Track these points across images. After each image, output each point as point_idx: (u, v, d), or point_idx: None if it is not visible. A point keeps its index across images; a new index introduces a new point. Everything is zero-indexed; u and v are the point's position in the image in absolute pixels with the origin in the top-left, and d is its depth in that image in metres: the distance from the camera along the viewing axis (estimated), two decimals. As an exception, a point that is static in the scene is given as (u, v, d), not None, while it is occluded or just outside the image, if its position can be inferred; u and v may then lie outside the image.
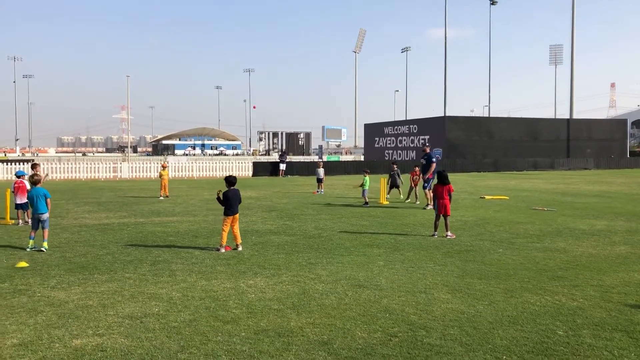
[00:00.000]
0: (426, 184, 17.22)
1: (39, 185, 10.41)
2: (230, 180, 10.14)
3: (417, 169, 19.37)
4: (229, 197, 9.92)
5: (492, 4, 76.03)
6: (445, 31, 67.91)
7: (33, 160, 46.53)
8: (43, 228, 10.12)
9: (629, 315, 6.05)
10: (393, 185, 20.28)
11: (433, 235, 11.47)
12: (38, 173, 11.60)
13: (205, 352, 4.95)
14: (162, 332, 5.47)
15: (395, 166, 20.95)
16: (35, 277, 7.82)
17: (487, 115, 77.85)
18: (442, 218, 11.55)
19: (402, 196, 20.23)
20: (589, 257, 9.27)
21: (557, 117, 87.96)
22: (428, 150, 18.06)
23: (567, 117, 60.39)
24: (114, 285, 7.36)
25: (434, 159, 17.38)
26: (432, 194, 16.88)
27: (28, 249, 9.90)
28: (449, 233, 11.40)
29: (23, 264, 8.64)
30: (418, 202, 18.40)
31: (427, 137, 51.28)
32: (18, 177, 13.63)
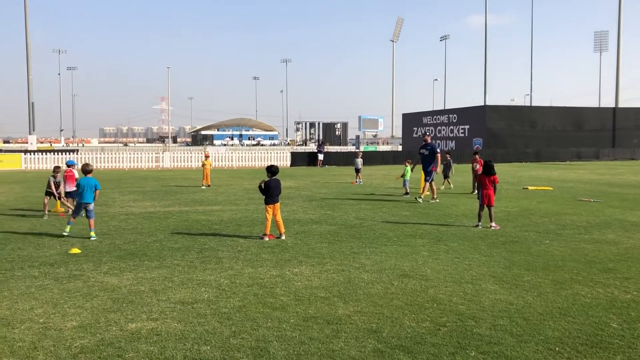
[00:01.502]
0: (428, 177, 16.16)
1: (89, 175, 10.65)
2: (272, 170, 10.24)
3: (477, 156, 19.12)
4: (270, 186, 10.03)
5: (535, -11, 74.04)
6: (486, 18, 66.63)
7: (77, 150, 47.88)
8: (89, 218, 10.32)
9: (686, 309, 5.87)
10: (444, 175, 20.27)
11: (477, 226, 11.33)
12: (90, 163, 11.73)
13: (257, 338, 5.04)
14: (214, 318, 5.60)
15: (448, 156, 20.78)
16: (88, 263, 8.08)
17: (529, 104, 76.19)
18: (486, 209, 11.40)
19: (451, 185, 20.33)
20: (640, 250, 9.02)
21: (601, 106, 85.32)
22: (429, 139, 16.91)
23: (613, 105, 58.50)
24: (163, 272, 7.55)
25: (438, 150, 16.42)
26: (433, 185, 16.66)
27: (65, 234, 10.16)
28: (493, 224, 11.25)
29: (76, 250, 8.94)
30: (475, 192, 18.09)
31: (467, 126, 50.58)
32: (68, 166, 14.11)
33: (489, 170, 11.34)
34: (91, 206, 10.40)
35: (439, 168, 16.26)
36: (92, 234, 10.16)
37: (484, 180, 11.36)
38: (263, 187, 10.07)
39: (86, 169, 10.68)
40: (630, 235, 10.34)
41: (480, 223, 11.38)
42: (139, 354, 4.68)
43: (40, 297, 6.37)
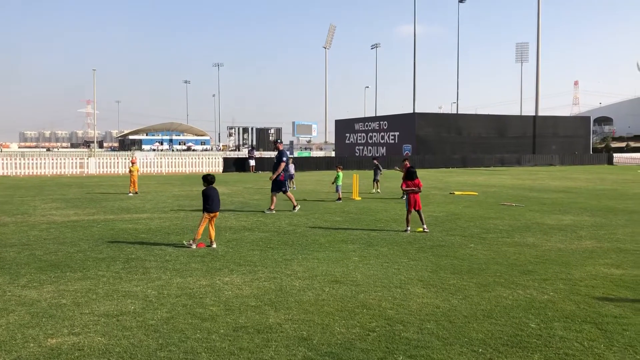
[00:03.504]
0: (283, 187, 15.23)
1: None
2: (209, 180, 10.08)
3: (406, 162, 19.66)
4: (211, 195, 9.87)
5: (461, 1, 76.96)
6: (415, 29, 68.61)
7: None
8: None
9: (596, 308, 6.25)
10: (374, 179, 21.22)
11: (406, 230, 11.59)
12: None
13: (185, 350, 4.92)
14: (140, 330, 5.43)
15: (376, 161, 21.86)
16: (4, 276, 7.64)
17: (456, 112, 78.99)
18: (414, 212, 11.69)
19: (379, 190, 21.07)
20: (557, 252, 9.52)
21: (523, 114, 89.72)
22: (281, 147, 15.82)
23: (533, 114, 61.66)
24: (87, 284, 7.25)
25: (284, 158, 15.18)
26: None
27: None
28: (425, 227, 11.57)
29: (-9, 262, 8.43)
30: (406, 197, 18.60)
31: (397, 133, 51.78)
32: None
33: (410, 175, 11.71)
34: None
35: (281, 175, 15.11)
36: None
37: (409, 185, 11.67)
38: (207, 197, 9.87)
39: None
40: (548, 238, 10.90)
41: (409, 228, 11.65)
42: (59, 371, 4.46)
43: (-50, 314, 5.95)
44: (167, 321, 5.72)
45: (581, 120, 62.94)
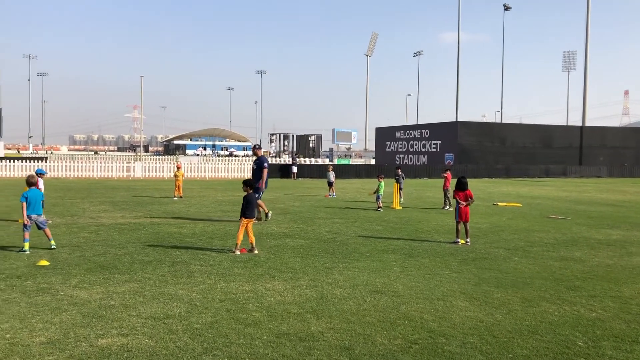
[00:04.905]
0: (256, 193, 13.54)
1: (35, 187, 10.22)
2: (251, 184, 10.26)
3: (448, 172, 19.25)
4: (253, 201, 10.07)
5: (506, 9, 75.81)
6: (459, 36, 67.81)
7: (46, 158, 46.96)
8: (43, 229, 10.14)
9: (648, 328, 6.05)
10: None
11: (455, 242, 11.41)
12: (34, 175, 11.31)
13: (229, 355, 5.02)
14: (185, 334, 5.56)
15: (399, 170, 21.49)
16: (57, 276, 7.94)
17: (499, 121, 77.65)
18: (462, 224, 11.55)
19: (402, 199, 20.42)
20: (605, 268, 9.26)
21: (569, 124, 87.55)
22: (260, 153, 15.16)
23: (580, 124, 60.07)
24: (134, 286, 7.46)
25: (265, 165, 14.44)
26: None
27: (26, 251, 9.67)
28: (468, 240, 11.42)
29: (44, 262, 8.76)
30: (449, 208, 18.19)
31: (439, 142, 51.28)
32: (38, 175, 13.92)
33: (463, 186, 11.54)
34: (42, 217, 10.22)
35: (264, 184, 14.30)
36: (53, 242, 10.09)
37: (461, 196, 11.52)
38: (247, 202, 10.04)
39: (31, 181, 10.25)
40: (595, 253, 10.60)
41: (459, 239, 11.50)
42: (109, 371, 4.62)
43: (7, 311, 6.23)
44: (211, 325, 5.84)
45: (631, 131, 60.96)
